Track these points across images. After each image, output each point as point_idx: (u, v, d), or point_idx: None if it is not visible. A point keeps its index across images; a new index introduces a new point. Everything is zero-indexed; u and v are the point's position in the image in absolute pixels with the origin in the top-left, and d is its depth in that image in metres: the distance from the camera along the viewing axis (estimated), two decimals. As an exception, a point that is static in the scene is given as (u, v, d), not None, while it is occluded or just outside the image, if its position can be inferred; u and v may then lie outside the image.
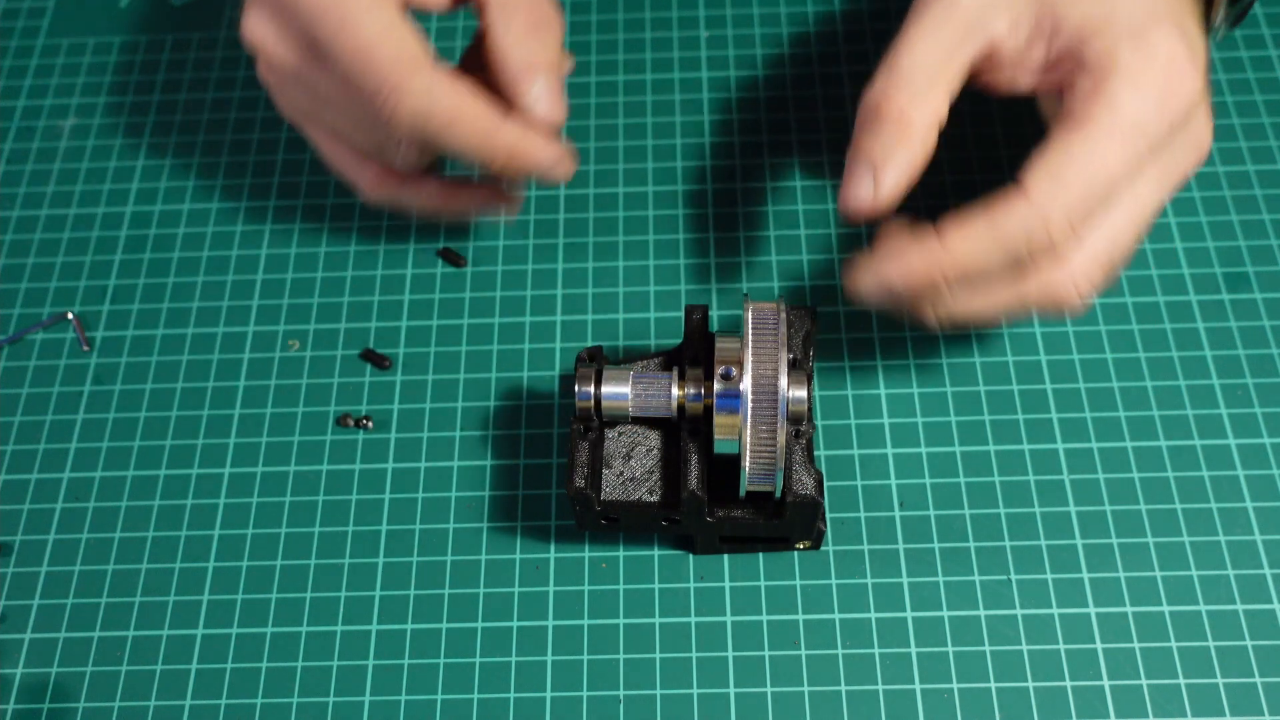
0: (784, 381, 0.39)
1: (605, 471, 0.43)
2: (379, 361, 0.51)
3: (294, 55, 0.44)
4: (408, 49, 0.42)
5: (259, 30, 0.45)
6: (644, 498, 0.43)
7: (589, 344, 0.51)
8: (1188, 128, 0.40)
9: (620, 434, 0.44)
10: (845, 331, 0.51)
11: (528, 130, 0.43)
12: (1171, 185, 0.42)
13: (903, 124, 0.40)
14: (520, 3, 0.44)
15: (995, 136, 0.56)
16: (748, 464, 0.40)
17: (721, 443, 0.41)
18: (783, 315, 0.41)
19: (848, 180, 0.41)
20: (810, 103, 0.58)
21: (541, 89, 0.43)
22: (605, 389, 0.42)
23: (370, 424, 0.50)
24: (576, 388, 0.42)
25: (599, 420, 0.43)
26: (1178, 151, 0.41)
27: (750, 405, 0.39)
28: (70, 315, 0.53)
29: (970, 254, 0.39)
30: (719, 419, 0.40)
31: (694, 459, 0.42)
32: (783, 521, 0.43)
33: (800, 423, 0.42)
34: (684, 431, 0.43)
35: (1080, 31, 0.40)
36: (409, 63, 0.42)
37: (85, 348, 0.52)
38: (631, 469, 0.44)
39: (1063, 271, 0.41)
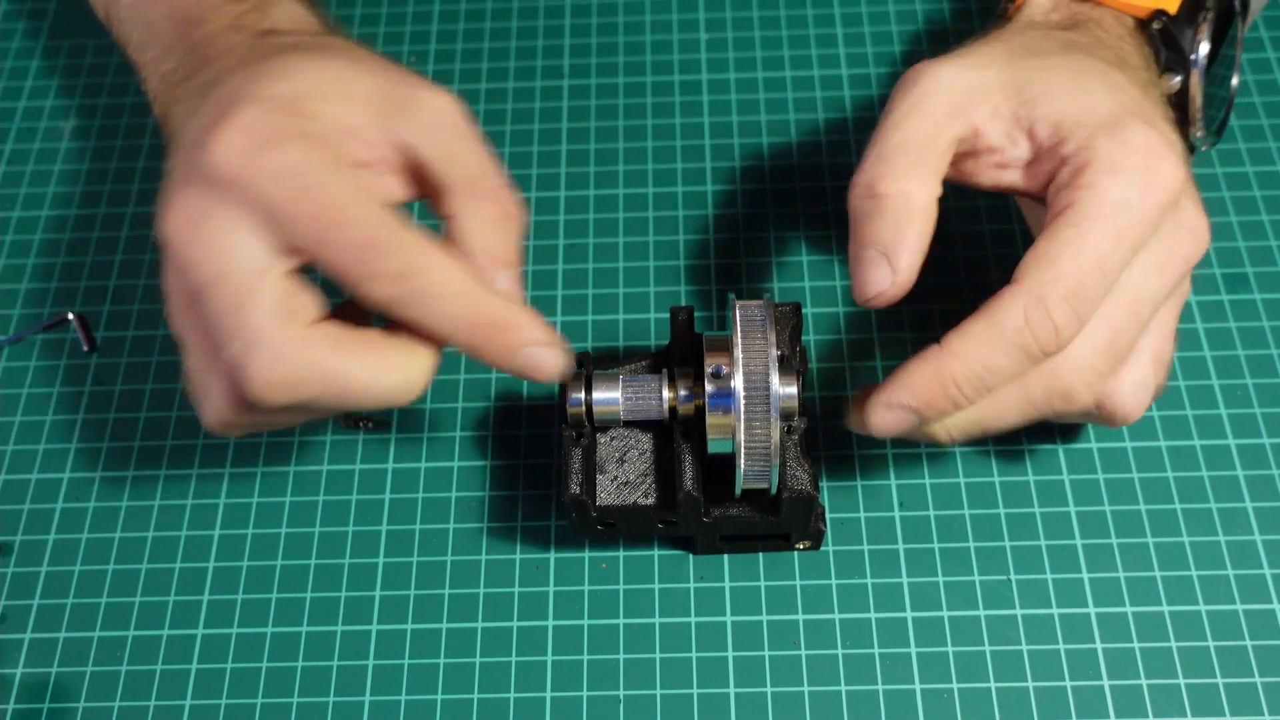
0: (775, 378, 0.39)
1: (600, 477, 0.43)
2: None
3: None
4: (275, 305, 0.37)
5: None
6: (640, 501, 0.43)
7: (589, 345, 0.52)
8: (1177, 214, 0.39)
9: (613, 439, 0.44)
10: (845, 333, 0.51)
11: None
12: (1172, 274, 0.40)
13: (905, 202, 0.39)
14: (487, 193, 0.40)
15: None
16: (743, 463, 0.40)
17: (715, 443, 0.41)
18: (770, 312, 0.41)
19: (860, 269, 0.39)
20: (810, 104, 0.58)
21: (508, 282, 0.40)
22: (596, 394, 0.42)
23: (370, 424, 0.50)
24: (567, 394, 0.42)
25: (591, 426, 0.43)
26: (1170, 240, 0.40)
27: (743, 403, 0.39)
28: (71, 316, 0.53)
29: (974, 354, 0.38)
30: (712, 419, 0.40)
31: (688, 459, 0.42)
32: (780, 518, 0.42)
33: (792, 418, 0.42)
34: (676, 433, 0.43)
35: (1059, 128, 0.39)
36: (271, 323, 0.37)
37: (87, 349, 0.52)
38: (626, 473, 0.43)
39: (1068, 365, 0.39)
